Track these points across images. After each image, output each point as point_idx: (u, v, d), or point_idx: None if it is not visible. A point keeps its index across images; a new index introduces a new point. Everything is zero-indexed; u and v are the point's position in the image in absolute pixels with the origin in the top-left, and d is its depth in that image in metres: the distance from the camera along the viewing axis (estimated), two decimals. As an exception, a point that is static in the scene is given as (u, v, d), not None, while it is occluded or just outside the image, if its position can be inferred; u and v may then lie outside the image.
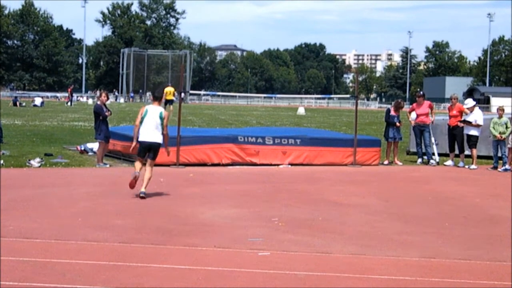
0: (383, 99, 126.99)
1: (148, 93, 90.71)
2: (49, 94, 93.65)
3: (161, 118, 10.49)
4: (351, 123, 31.12)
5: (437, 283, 6.05)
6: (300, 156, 15.68)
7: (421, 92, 17.85)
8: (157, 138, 10.48)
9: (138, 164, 10.56)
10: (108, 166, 14.27)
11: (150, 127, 10.46)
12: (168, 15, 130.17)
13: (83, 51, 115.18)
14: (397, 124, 17.10)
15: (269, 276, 6.08)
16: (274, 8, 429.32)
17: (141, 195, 10.23)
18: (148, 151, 10.51)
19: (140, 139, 10.49)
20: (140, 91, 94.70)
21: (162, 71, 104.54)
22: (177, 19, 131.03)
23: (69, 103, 59.57)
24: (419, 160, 17.25)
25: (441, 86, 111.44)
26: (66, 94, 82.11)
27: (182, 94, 16.30)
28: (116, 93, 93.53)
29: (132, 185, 10.32)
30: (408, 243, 7.62)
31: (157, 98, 10.74)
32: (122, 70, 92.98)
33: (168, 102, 39.37)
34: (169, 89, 40.02)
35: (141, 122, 10.54)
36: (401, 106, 17.43)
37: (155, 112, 10.51)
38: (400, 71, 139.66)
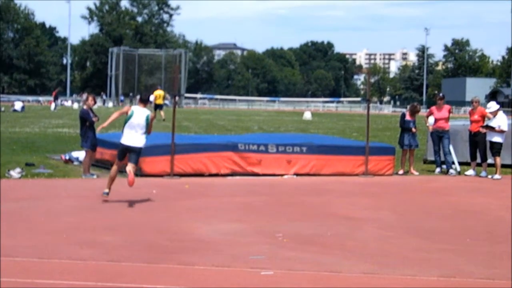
0: (398, 103, 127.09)
1: (139, 97, 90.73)
2: (30, 98, 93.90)
3: (147, 122, 11.23)
4: (363, 129, 31.13)
5: (458, 305, 6.04)
6: (307, 166, 15.68)
7: (441, 94, 17.85)
8: (139, 142, 11.22)
9: (113, 171, 11.38)
10: (95, 177, 14.28)
11: (133, 130, 11.23)
12: (161, 11, 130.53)
13: (68, 50, 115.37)
14: (413, 129, 17.11)
15: (272, 297, 6.08)
16: (277, 3, 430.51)
17: (104, 194, 11.17)
18: (129, 153, 11.24)
19: (122, 141, 11.30)
20: (131, 94, 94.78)
21: (155, 72, 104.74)
22: (170, 15, 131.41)
23: (53, 108, 59.67)
24: (438, 169, 17.25)
25: (461, 88, 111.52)
26: (50, 98, 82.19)
27: (177, 98, 16.33)
28: (104, 97, 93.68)
29: (131, 182, 10.90)
30: (425, 261, 7.62)
31: (143, 100, 11.44)
32: (111, 71, 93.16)
33: (158, 107, 39.41)
34: (158, 93, 40.04)
35: (125, 123, 11.26)
36: (417, 110, 17.45)
37: (142, 115, 11.24)
38: (416, 71, 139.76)
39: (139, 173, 14.34)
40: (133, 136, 11.19)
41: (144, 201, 11.31)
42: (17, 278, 6.47)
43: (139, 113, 11.25)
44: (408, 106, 17.80)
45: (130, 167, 11.04)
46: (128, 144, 11.18)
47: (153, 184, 13.21)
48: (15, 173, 14.02)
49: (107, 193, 11.24)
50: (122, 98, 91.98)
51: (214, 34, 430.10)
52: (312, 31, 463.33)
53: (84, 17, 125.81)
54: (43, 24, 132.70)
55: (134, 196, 11.78)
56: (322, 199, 12.29)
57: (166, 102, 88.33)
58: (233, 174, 15.12)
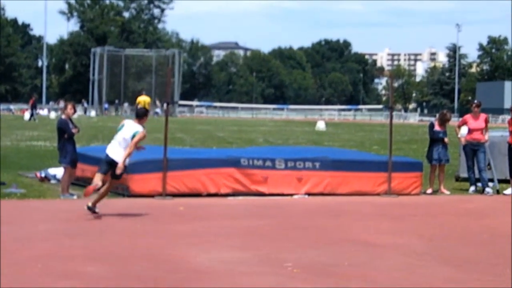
0: (425, 110, 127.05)
1: (126, 104, 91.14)
2: (0, 106, 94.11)
3: (132, 138, 12.00)
4: (385, 141, 31.11)
5: None
6: (320, 184, 15.68)
7: (477, 101, 17.84)
8: (118, 156, 11.98)
9: (97, 178, 12.04)
10: (75, 197, 14.30)
11: (116, 142, 12.08)
12: (151, 5, 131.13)
13: (44, 51, 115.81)
14: (445, 140, 17.11)
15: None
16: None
17: (86, 207, 11.83)
18: (110, 168, 12.01)
19: (106, 150, 12.15)
20: (116, 101, 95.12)
21: (144, 76, 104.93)
22: (162, 10, 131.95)
23: (29, 117, 59.84)
24: (472, 188, 17.23)
25: (499, 94, 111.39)
26: (24, 106, 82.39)
27: (169, 106, 16.37)
28: (86, 105, 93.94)
29: (88, 192, 11.80)
30: (458, 294, 7.60)
31: (138, 115, 12.24)
32: (93, 75, 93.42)
33: None
34: (143, 99, 40.25)
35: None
36: (447, 119, 17.44)
37: (130, 130, 12.05)
38: (447, 74, 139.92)
39: (126, 193, 14.38)
40: (115, 149, 12.08)
41: (132, 225, 11.32)
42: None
43: (128, 127, 12.08)
44: (437, 115, 17.81)
45: (109, 182, 12.02)
46: (109, 155, 12.05)
47: (143, 206, 13.22)
48: (-18, 193, 14.03)
49: (90, 208, 11.86)
50: (106, 106, 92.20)
51: (212, 31, 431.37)
52: (326, 27, 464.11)
53: (62, 13, 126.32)
54: (14, 21, 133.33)
55: (120, 220, 11.80)
56: (338, 222, 12.28)
57: (158, 110, 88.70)
58: (234, 194, 15.12)
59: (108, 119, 69.68)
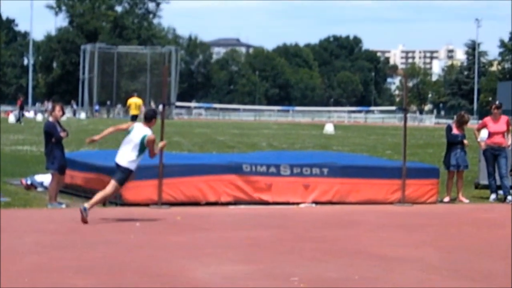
0: (442, 112, 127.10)
1: (119, 106, 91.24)
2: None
3: (142, 142, 12.54)
4: (398, 145, 31.08)
5: None
6: (329, 192, 15.69)
7: (498, 102, 17.85)
8: (124, 160, 12.60)
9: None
10: (64, 206, 14.31)
11: (124, 146, 12.69)
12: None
13: (30, 48, 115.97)
14: (465, 142, 17.10)
15: None
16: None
17: (81, 208, 12.25)
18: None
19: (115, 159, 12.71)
20: (108, 102, 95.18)
21: (138, 75, 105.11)
22: (158, 4, 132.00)
23: (16, 119, 59.93)
24: (493, 196, 17.22)
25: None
26: (8, 108, 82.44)
27: (164, 107, 16.37)
28: (75, 106, 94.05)
29: (83, 221, 12.16)
30: (478, 311, 7.60)
31: (146, 118, 12.85)
32: (83, 74, 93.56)
33: (133, 118, 39.64)
34: (134, 101, 40.35)
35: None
36: (465, 121, 17.41)
37: (139, 133, 12.63)
38: (465, 73, 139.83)
39: (119, 201, 14.39)
40: (122, 152, 12.67)
41: (125, 236, 11.32)
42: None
43: (137, 131, 12.69)
44: (455, 117, 17.81)
45: (110, 183, 12.59)
46: (117, 160, 12.64)
47: (137, 215, 13.22)
48: (-36, 201, 14.05)
49: (85, 209, 12.24)
50: (97, 107, 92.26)
51: (212, 27, 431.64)
52: (335, 23, 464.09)
53: (50, 7, 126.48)
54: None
55: (112, 230, 11.80)
56: (348, 233, 12.28)
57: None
58: (236, 202, 15.13)
59: (99, 121, 69.68)
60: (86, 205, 12.31)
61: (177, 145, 32.36)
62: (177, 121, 77.57)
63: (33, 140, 34.14)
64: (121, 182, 12.70)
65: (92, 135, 12.86)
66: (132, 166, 12.67)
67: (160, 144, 13.69)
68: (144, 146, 12.59)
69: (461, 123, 17.32)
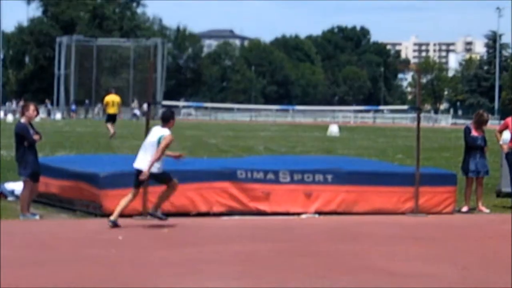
0: (459, 112, 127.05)
1: (99, 105, 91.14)
2: None
3: (159, 142, 13.26)
4: (411, 148, 31.08)
5: None
6: (333, 201, 15.69)
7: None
8: (144, 164, 13.28)
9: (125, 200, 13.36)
10: (37, 217, 14.29)
11: (143, 151, 13.46)
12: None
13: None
14: (485, 149, 17.09)
15: None
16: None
17: (109, 223, 13.03)
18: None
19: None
20: (86, 101, 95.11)
21: (120, 70, 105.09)
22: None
23: None
24: (516, 205, 17.23)
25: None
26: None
27: (150, 106, 16.38)
28: (49, 106, 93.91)
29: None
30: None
31: (163, 119, 13.57)
32: (59, 69, 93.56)
33: (111, 118, 39.67)
34: (111, 98, 40.30)
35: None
36: (484, 120, 17.36)
37: (156, 134, 13.39)
38: (485, 68, 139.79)
39: (98, 212, 14.39)
40: (142, 157, 13.43)
41: (106, 251, 11.31)
42: None
43: (154, 133, 13.47)
44: (473, 116, 17.78)
45: (131, 192, 13.48)
46: (135, 165, 13.39)
47: (119, 228, 13.22)
48: None
49: (113, 222, 13.12)
50: (73, 107, 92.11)
51: (202, 17, 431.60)
52: (340, 12, 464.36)
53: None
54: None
55: (91, 245, 11.79)
56: (355, 247, 12.29)
57: (136, 112, 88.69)
58: (230, 213, 15.13)
59: (76, 122, 69.61)
60: (113, 217, 13.25)
61: (163, 149, 32.30)
62: (164, 122, 77.37)
63: (3, 144, 34.07)
64: (171, 179, 13.52)
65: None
66: (160, 170, 13.39)
67: (177, 154, 14.44)
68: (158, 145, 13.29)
69: (480, 123, 17.29)
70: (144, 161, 13.35)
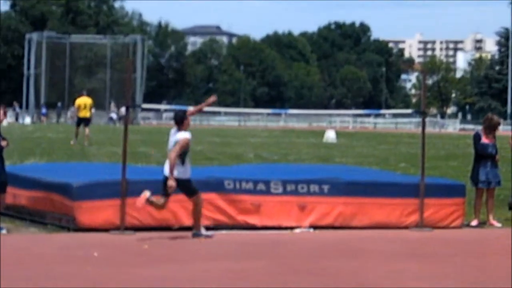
0: (468, 116, 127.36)
1: (72, 108, 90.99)
2: None
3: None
4: (415, 156, 31.13)
5: None
6: (330, 214, 15.69)
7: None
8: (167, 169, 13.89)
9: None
10: (4, 231, 14.26)
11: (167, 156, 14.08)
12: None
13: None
14: (497, 157, 17.10)
15: None
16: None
17: (193, 236, 14.10)
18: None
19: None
20: (59, 104, 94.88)
21: (96, 70, 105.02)
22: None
23: None
24: (531, 218, 17.25)
25: None
26: None
27: (128, 110, 16.36)
28: (18, 109, 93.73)
29: (140, 202, 13.83)
30: None
31: (176, 121, 14.23)
32: (28, 69, 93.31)
33: (83, 121, 39.77)
34: (83, 101, 40.40)
35: None
36: (495, 124, 17.34)
37: (172, 140, 14.08)
38: (496, 68, 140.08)
39: (71, 225, 14.36)
40: (166, 163, 14.06)
41: (80, 269, 11.29)
42: None
43: (172, 138, 14.11)
44: (483, 121, 17.75)
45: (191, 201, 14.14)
46: (164, 172, 13.96)
47: (94, 243, 13.19)
48: None
49: (197, 234, 14.13)
50: (44, 111, 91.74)
51: (187, 12, 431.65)
52: (338, 7, 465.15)
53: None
54: None
55: (64, 262, 11.77)
56: (354, 264, 12.29)
57: (113, 116, 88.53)
58: (216, 227, 15.12)
59: (47, 127, 69.51)
60: (196, 230, 14.15)
61: (143, 156, 32.35)
62: (144, 127, 77.53)
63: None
64: (195, 192, 14.08)
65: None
66: (183, 175, 13.96)
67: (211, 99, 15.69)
68: (183, 151, 14.01)
69: (491, 128, 17.26)
70: (166, 166, 14.01)
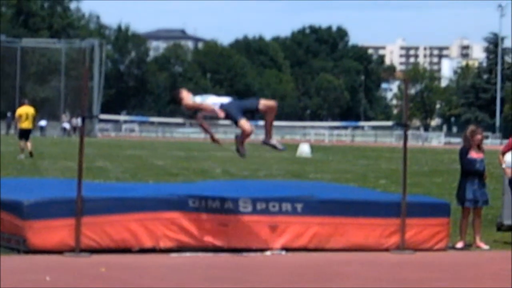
0: (454, 129, 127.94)
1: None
2: None
3: None
4: (397, 172, 31.27)
5: None
6: (304, 235, 15.70)
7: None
8: None
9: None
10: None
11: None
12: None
13: None
14: (484, 175, 17.13)
15: None
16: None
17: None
18: None
19: None
20: (8, 114, 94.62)
21: (49, 77, 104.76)
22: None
23: None
24: (521, 240, 17.33)
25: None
26: None
27: (84, 121, 16.31)
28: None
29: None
30: None
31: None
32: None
33: (23, 134, 39.72)
34: (24, 111, 40.36)
35: None
36: (478, 138, 17.29)
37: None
38: (484, 77, 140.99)
39: (22, 247, 14.30)
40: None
41: (31, 294, 11.27)
42: None
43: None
44: (464, 134, 17.71)
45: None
46: None
47: (47, 266, 13.16)
48: None
49: None
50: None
51: (149, 14, 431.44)
52: (313, 10, 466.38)
53: None
54: None
55: (14, 286, 11.73)
56: (329, 290, 12.31)
57: (66, 126, 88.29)
58: (180, 249, 15.11)
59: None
60: None
61: (101, 171, 32.31)
62: (102, 140, 77.42)
63: None
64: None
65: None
66: None
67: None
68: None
69: (475, 141, 17.24)
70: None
